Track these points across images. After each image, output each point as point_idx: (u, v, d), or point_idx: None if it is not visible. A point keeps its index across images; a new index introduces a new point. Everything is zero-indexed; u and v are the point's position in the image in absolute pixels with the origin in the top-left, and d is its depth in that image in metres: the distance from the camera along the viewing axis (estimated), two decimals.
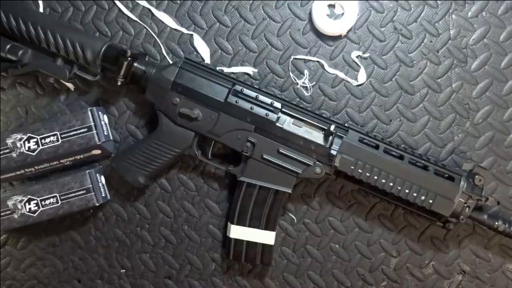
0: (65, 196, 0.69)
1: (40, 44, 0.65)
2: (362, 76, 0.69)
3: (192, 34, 0.71)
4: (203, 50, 0.70)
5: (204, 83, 0.64)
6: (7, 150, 0.68)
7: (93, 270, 0.75)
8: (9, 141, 0.68)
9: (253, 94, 0.64)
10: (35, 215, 0.69)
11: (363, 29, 0.69)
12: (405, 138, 0.69)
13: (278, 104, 0.64)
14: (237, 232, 0.67)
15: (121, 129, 0.73)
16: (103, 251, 0.75)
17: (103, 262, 0.75)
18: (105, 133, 0.70)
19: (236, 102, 0.64)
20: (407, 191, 0.61)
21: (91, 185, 0.69)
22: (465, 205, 0.60)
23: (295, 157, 0.64)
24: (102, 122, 0.70)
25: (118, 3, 0.71)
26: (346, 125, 0.64)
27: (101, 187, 0.71)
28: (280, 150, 0.64)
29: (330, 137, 0.63)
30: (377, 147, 0.62)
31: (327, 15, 0.68)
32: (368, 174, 0.61)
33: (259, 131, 0.64)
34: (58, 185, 0.69)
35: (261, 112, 0.64)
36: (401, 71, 0.69)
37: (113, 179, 0.73)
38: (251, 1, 0.70)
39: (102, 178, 0.72)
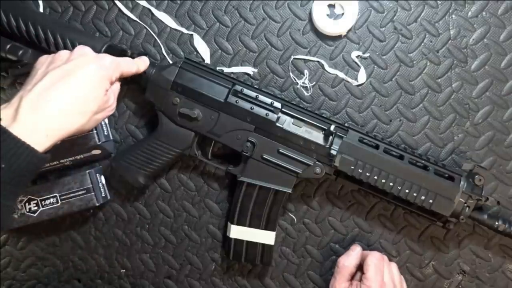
0: (65, 196, 0.69)
1: (40, 44, 0.65)
2: (362, 76, 0.69)
3: (192, 34, 0.71)
4: (203, 50, 0.70)
5: (204, 83, 0.64)
6: None
7: (93, 270, 0.75)
8: None
9: (253, 94, 0.64)
10: (35, 215, 0.69)
11: (363, 29, 0.69)
12: (405, 138, 0.69)
13: (278, 104, 0.64)
14: (237, 232, 0.67)
15: (121, 129, 0.73)
16: (103, 251, 0.75)
17: (103, 262, 0.75)
18: (105, 133, 0.70)
19: (236, 102, 0.64)
20: (407, 191, 0.61)
21: (91, 185, 0.69)
22: (465, 205, 0.60)
23: (295, 157, 0.64)
24: (102, 122, 0.70)
25: (118, 3, 0.71)
26: (346, 125, 0.64)
27: (101, 187, 0.71)
28: (280, 150, 0.64)
29: (330, 137, 0.63)
30: (377, 147, 0.62)
31: (327, 15, 0.68)
32: (368, 174, 0.61)
33: (259, 131, 0.64)
34: (58, 185, 0.69)
35: (261, 112, 0.64)
36: (401, 71, 0.69)
37: (113, 179, 0.73)
38: (251, 1, 0.70)
39: (102, 178, 0.72)
